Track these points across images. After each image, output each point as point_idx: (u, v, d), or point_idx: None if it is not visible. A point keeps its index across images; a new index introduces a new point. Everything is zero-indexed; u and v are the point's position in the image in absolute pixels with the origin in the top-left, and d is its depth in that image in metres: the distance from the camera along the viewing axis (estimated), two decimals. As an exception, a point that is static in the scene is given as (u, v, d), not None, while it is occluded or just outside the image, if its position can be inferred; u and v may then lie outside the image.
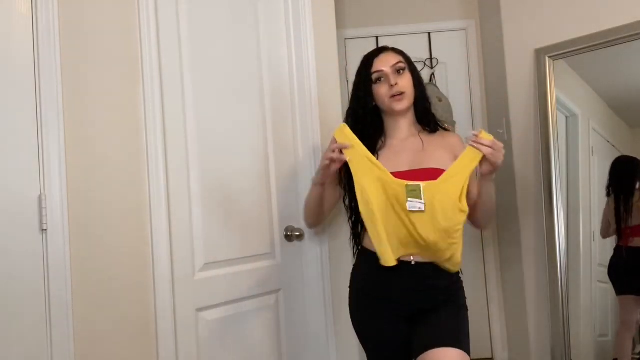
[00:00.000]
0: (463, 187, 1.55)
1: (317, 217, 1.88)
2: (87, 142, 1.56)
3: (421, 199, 1.53)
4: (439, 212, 1.52)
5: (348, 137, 1.64)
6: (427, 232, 1.53)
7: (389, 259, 1.56)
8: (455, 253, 1.58)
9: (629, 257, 2.44)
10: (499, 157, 1.53)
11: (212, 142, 1.89)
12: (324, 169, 1.68)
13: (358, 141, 1.63)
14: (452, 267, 1.61)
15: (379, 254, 1.57)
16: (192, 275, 1.80)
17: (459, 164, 1.56)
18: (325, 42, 2.24)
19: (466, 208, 1.56)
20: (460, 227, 1.57)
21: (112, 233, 1.59)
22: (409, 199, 1.53)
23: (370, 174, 1.59)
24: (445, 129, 1.79)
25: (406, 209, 1.54)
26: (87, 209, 1.54)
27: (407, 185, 1.54)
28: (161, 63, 1.75)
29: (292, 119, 2.15)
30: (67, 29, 1.53)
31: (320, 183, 1.75)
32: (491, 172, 1.55)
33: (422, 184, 1.54)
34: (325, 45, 2.23)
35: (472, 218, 1.67)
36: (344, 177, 1.74)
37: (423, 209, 1.53)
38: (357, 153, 1.62)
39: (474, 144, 1.53)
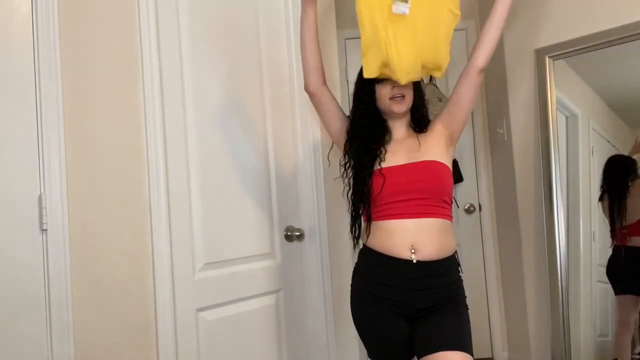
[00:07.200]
0: None
1: (313, 50, 1.76)
2: (87, 142, 1.57)
3: (407, 2, 1.58)
4: (421, 20, 1.59)
5: None
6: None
7: (370, 70, 1.60)
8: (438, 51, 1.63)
9: (628, 257, 2.43)
10: None
11: (212, 142, 1.89)
12: None
13: None
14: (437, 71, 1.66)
15: (363, 63, 1.61)
16: (192, 275, 1.80)
17: None
18: (325, 42, 2.24)
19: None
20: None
21: (112, 233, 1.59)
22: (396, 2, 1.58)
23: None
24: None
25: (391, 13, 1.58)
26: (87, 209, 1.54)
27: None
28: (161, 63, 1.75)
29: (292, 119, 2.15)
30: (67, 29, 1.53)
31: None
32: None
33: None
34: (325, 45, 2.23)
35: (477, 47, 1.85)
36: (346, 156, 1.75)
37: (407, 12, 1.58)
38: None
39: None
